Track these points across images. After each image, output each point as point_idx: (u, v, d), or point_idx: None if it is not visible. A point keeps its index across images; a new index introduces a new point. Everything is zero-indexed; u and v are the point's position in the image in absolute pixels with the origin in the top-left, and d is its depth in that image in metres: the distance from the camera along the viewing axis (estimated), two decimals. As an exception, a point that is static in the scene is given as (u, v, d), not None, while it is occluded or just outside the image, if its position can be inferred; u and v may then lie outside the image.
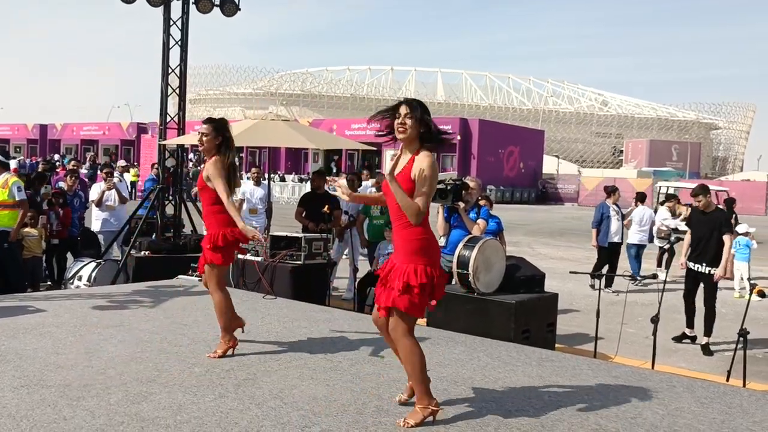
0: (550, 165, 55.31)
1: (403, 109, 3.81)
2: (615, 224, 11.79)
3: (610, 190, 12.26)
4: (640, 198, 13.21)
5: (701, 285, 8.16)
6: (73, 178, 10.43)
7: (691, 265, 8.23)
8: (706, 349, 7.83)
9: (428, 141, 3.83)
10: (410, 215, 3.73)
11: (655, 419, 4.08)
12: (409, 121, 3.79)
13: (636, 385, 4.75)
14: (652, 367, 5.88)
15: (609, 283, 11.56)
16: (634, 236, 12.58)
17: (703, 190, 8.16)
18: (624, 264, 12.02)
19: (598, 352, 6.69)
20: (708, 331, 7.91)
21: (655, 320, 5.93)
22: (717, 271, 7.86)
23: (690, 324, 8.24)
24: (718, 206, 8.47)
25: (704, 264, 8.03)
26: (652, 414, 4.17)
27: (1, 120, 76.42)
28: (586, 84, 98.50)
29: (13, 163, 39.30)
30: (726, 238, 7.91)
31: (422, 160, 3.76)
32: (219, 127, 5.14)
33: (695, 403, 4.43)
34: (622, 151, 79.61)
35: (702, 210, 8.19)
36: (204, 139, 5.11)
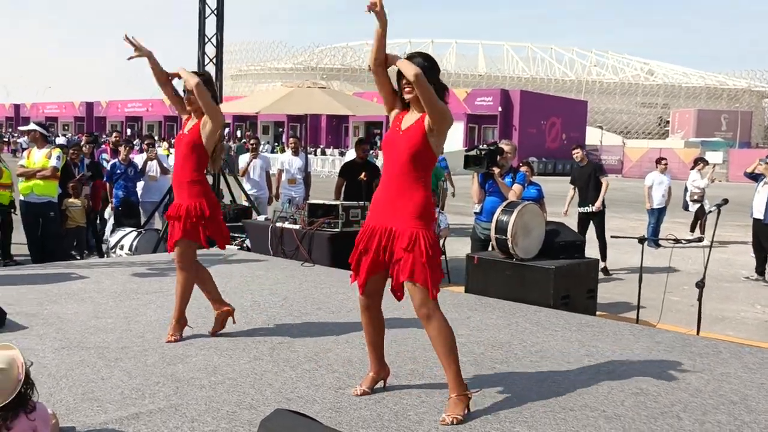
0: (593, 136, 54.29)
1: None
2: (758, 197, 9.97)
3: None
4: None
5: (591, 222, 10.21)
6: (128, 148, 10.54)
7: (579, 210, 10.32)
8: (606, 272, 9.80)
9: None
10: (437, 114, 3.34)
11: (700, 384, 3.95)
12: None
13: (680, 351, 4.61)
14: (697, 333, 5.71)
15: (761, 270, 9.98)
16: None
17: (578, 146, 10.82)
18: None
19: (641, 319, 6.53)
20: (604, 257, 9.89)
21: (700, 285, 5.74)
22: (596, 204, 10.05)
23: (603, 258, 9.91)
24: (591, 160, 10.72)
25: (589, 205, 10.15)
26: (697, 379, 4.04)
27: (50, 98, 78.15)
28: (632, 54, 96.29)
29: (61, 140, 40.15)
30: (603, 179, 10.21)
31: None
32: (209, 81, 4.64)
33: (742, 368, 4.28)
34: (668, 122, 77.71)
35: (579, 163, 10.63)
36: (191, 98, 4.52)
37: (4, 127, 70.21)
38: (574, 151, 10.80)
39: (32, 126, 8.67)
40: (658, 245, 12.16)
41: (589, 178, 10.32)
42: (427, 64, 3.39)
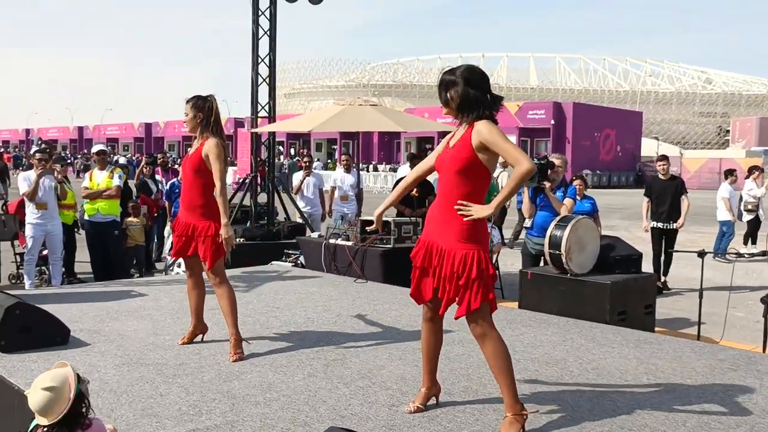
0: (649, 147, 53.11)
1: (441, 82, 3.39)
2: None
3: None
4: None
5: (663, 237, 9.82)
6: None
7: (657, 224, 9.82)
8: (665, 286, 9.51)
9: (472, 111, 3.33)
10: (522, 175, 3.36)
11: (767, 404, 3.81)
12: (452, 93, 3.35)
13: (745, 369, 4.45)
14: (764, 351, 5.52)
15: None
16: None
17: (664, 158, 10.31)
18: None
19: (702, 336, 6.34)
20: (666, 272, 9.69)
21: (766, 300, 5.55)
22: (679, 221, 9.72)
23: (665, 272, 9.74)
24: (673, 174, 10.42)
25: (670, 222, 9.71)
26: (764, 399, 3.89)
27: (111, 120, 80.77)
28: (688, 62, 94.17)
29: (122, 160, 41.61)
30: (685, 198, 9.82)
31: (481, 129, 3.28)
32: (195, 105, 4.87)
33: (811, 387, 4.11)
34: (728, 131, 75.57)
35: (661, 176, 10.07)
36: (185, 118, 4.94)
37: (69, 148, 72.69)
38: (660, 163, 10.20)
39: (102, 147, 9.23)
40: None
41: (672, 194, 9.81)
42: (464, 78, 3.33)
